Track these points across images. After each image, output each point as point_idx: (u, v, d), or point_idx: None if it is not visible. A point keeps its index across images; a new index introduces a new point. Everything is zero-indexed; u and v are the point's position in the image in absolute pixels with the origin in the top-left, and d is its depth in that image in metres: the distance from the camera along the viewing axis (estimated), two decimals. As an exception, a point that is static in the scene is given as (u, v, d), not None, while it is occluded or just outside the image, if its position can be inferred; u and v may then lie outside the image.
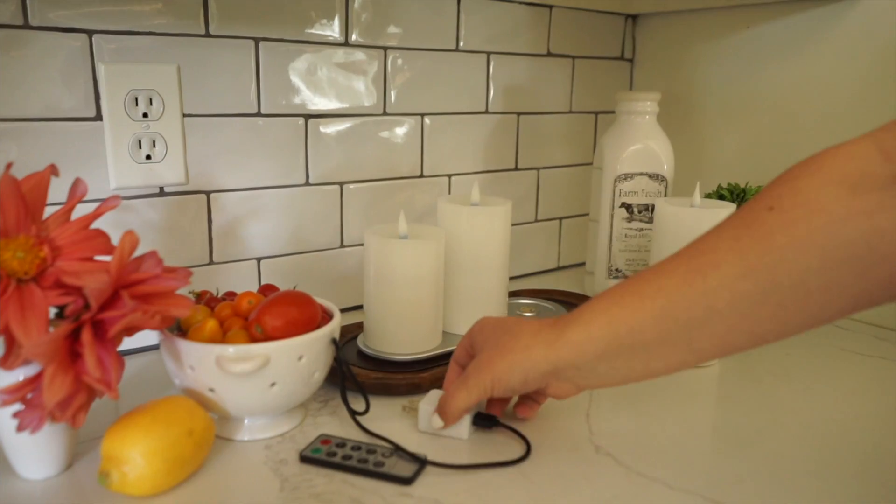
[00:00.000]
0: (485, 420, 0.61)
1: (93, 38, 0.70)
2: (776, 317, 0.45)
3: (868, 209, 0.42)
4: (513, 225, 0.96)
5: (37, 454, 0.53)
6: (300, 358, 0.58)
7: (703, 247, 0.48)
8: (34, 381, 0.48)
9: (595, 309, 0.52)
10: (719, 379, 0.76)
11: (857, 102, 0.91)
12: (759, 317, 0.46)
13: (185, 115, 0.77)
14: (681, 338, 0.48)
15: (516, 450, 0.59)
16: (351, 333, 0.78)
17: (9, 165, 0.49)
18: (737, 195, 0.89)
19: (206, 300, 0.65)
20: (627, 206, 0.93)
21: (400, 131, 0.94)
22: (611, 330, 0.50)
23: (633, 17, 1.17)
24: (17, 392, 0.48)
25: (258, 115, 0.82)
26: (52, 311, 0.49)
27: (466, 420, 0.60)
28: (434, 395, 0.62)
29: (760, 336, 0.47)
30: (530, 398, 0.63)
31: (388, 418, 0.64)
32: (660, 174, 0.92)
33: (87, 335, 0.47)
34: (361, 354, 0.73)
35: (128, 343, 0.58)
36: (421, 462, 0.56)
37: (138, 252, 0.51)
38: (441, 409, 0.58)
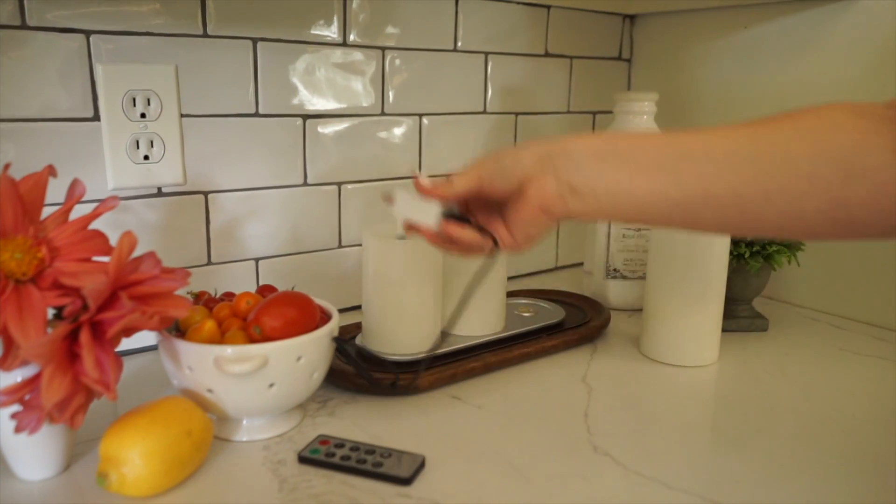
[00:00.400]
0: (456, 217, 0.58)
1: (90, 39, 0.70)
2: (759, 182, 0.49)
3: (866, 129, 0.47)
4: (511, 225, 0.96)
5: (35, 455, 0.53)
6: (299, 358, 0.58)
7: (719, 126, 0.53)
8: (32, 382, 0.48)
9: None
10: (717, 378, 0.76)
11: (855, 102, 0.91)
12: (745, 175, 0.49)
13: (182, 116, 0.76)
14: (671, 165, 0.51)
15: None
16: (349, 334, 0.78)
17: (7, 166, 0.49)
18: (735, 195, 0.89)
19: (204, 301, 0.65)
20: (625, 207, 0.93)
21: (398, 131, 0.94)
22: (611, 139, 0.54)
23: (631, 18, 1.17)
24: (15, 393, 0.48)
25: (256, 115, 0.82)
26: (51, 312, 0.49)
27: (436, 211, 0.57)
28: (410, 188, 0.59)
29: (740, 199, 0.49)
30: (486, 228, 0.59)
31: (387, 419, 0.64)
32: (658, 174, 0.92)
33: (85, 336, 0.47)
34: (360, 354, 0.73)
35: (125, 343, 0.58)
36: (420, 462, 0.56)
37: (136, 253, 0.51)
38: (437, 185, 0.58)
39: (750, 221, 0.50)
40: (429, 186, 0.57)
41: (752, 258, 0.84)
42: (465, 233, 0.57)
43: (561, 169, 0.53)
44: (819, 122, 0.49)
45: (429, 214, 0.58)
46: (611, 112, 0.97)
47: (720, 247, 0.76)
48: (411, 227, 0.59)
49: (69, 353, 0.48)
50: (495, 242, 0.57)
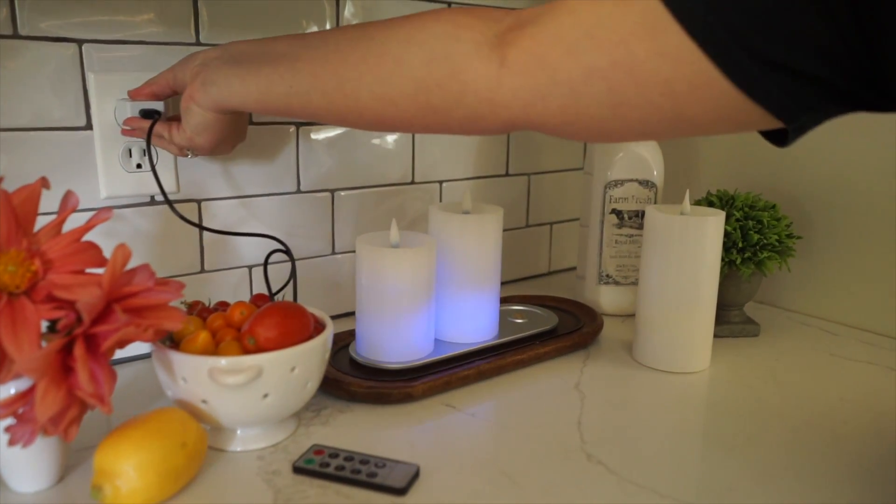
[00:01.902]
0: (149, 113, 0.69)
1: (83, 48, 0.70)
2: (357, 65, 0.52)
3: (464, 23, 0.49)
4: (504, 230, 0.96)
5: (28, 467, 0.53)
6: (293, 369, 0.58)
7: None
8: (26, 396, 0.48)
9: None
10: (709, 384, 0.76)
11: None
12: (347, 57, 0.53)
13: (175, 124, 0.76)
14: (293, 54, 0.57)
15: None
16: (343, 342, 0.78)
17: (0, 179, 0.49)
18: (726, 202, 0.90)
19: (198, 310, 0.64)
20: (618, 213, 0.94)
21: (391, 137, 0.94)
22: (252, 42, 0.63)
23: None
24: (8, 406, 0.47)
25: (249, 122, 0.82)
26: (44, 325, 0.49)
27: (135, 110, 0.69)
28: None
29: (341, 82, 0.53)
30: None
31: (381, 428, 0.64)
32: (650, 181, 0.93)
33: (79, 349, 0.47)
34: (353, 363, 0.73)
35: (118, 352, 0.58)
36: (414, 472, 0.56)
37: (130, 264, 0.51)
38: (141, 85, 0.70)
39: (353, 109, 0.54)
40: (134, 89, 0.70)
41: (744, 264, 0.85)
42: (130, 122, 0.69)
43: (208, 68, 0.62)
44: (428, 14, 0.51)
45: (135, 111, 0.70)
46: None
47: (712, 253, 0.76)
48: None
49: (63, 366, 0.48)
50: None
